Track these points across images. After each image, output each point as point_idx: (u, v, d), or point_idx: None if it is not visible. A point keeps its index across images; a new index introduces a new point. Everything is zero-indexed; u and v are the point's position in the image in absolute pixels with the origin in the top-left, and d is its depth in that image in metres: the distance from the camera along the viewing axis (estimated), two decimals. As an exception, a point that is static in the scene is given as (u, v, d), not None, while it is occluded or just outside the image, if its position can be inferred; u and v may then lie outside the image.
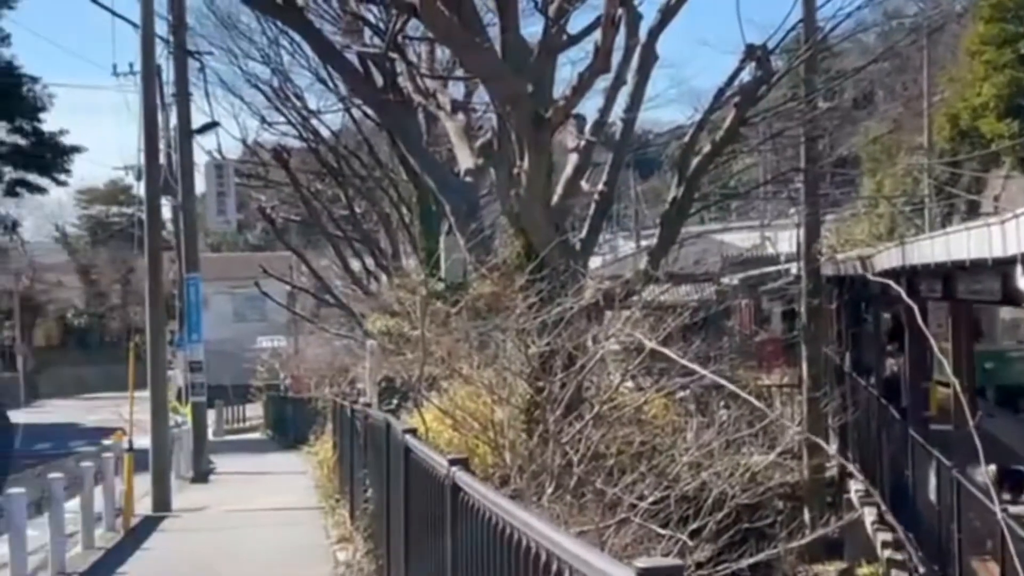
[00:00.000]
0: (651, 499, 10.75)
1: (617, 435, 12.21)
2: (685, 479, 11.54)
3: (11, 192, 61.07)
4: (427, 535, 7.07)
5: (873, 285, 17.53)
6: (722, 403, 15.10)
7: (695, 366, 13.01)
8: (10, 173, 59.01)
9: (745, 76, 17.27)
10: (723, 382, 13.65)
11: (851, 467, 19.99)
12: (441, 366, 13.62)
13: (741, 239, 43.39)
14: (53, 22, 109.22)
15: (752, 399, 13.32)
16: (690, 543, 10.50)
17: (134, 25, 23.38)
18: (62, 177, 61.71)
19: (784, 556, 13.60)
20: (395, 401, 15.94)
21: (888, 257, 16.72)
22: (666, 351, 12.91)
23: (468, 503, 5.37)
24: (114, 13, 26.82)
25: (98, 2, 24.63)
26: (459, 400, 13.32)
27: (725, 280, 33.98)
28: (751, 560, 11.68)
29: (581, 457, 11.31)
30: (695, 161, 17.14)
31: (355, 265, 35.78)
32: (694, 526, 10.85)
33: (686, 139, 17.78)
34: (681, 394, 15.04)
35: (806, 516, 19.15)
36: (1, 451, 7.96)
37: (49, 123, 58.39)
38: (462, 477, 5.63)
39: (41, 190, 62.63)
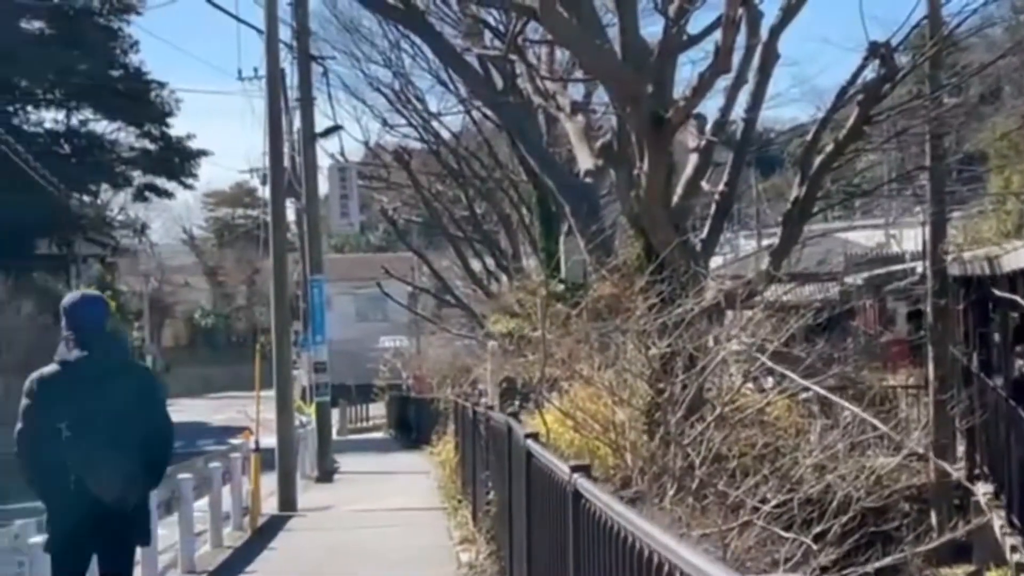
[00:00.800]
0: (774, 502, 10.65)
1: (739, 437, 12.12)
2: (809, 481, 11.43)
3: (140, 196, 62.35)
4: (549, 539, 7.10)
5: (1000, 284, 17.21)
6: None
7: (803, 381, 12.87)
8: (139, 178, 60.26)
9: (868, 74, 17.03)
10: (828, 395, 13.53)
11: (956, 474, 19.63)
12: (562, 367, 13.63)
13: (865, 238, 42.70)
14: (180, 29, 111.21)
15: (856, 409, 13.16)
16: (814, 546, 10.41)
17: (258, 31, 23.79)
18: (189, 181, 62.90)
19: (911, 560, 13.40)
20: (516, 402, 16.00)
21: (1016, 257, 16.39)
22: (776, 367, 12.81)
23: (589, 509, 5.40)
24: (239, 19, 27.38)
25: (223, 9, 25.07)
26: (580, 401, 13.32)
27: (849, 280, 33.53)
28: (877, 564, 11.54)
29: (703, 459, 11.24)
30: (818, 160, 16.92)
31: (476, 266, 35.98)
32: (818, 529, 10.75)
33: (808, 138, 17.55)
34: (804, 395, 14.89)
35: (933, 519, 18.84)
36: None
37: (176, 128, 59.50)
38: (583, 484, 5.65)
39: (169, 194, 63.97)
